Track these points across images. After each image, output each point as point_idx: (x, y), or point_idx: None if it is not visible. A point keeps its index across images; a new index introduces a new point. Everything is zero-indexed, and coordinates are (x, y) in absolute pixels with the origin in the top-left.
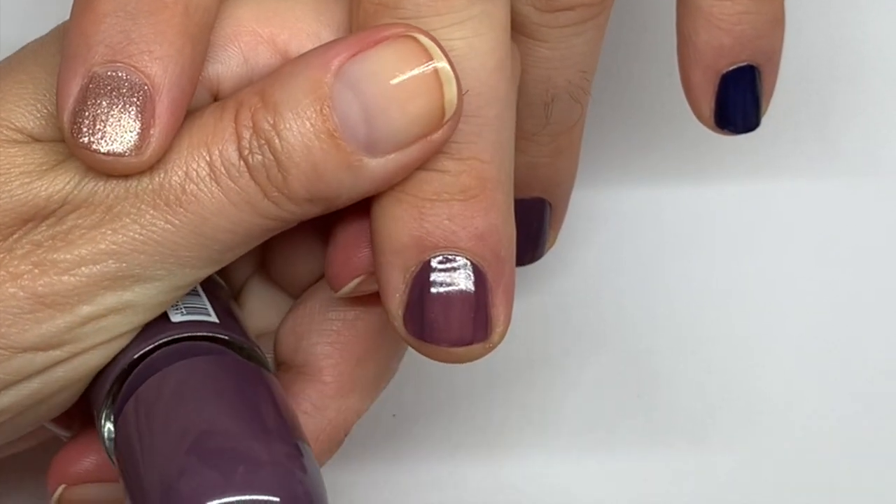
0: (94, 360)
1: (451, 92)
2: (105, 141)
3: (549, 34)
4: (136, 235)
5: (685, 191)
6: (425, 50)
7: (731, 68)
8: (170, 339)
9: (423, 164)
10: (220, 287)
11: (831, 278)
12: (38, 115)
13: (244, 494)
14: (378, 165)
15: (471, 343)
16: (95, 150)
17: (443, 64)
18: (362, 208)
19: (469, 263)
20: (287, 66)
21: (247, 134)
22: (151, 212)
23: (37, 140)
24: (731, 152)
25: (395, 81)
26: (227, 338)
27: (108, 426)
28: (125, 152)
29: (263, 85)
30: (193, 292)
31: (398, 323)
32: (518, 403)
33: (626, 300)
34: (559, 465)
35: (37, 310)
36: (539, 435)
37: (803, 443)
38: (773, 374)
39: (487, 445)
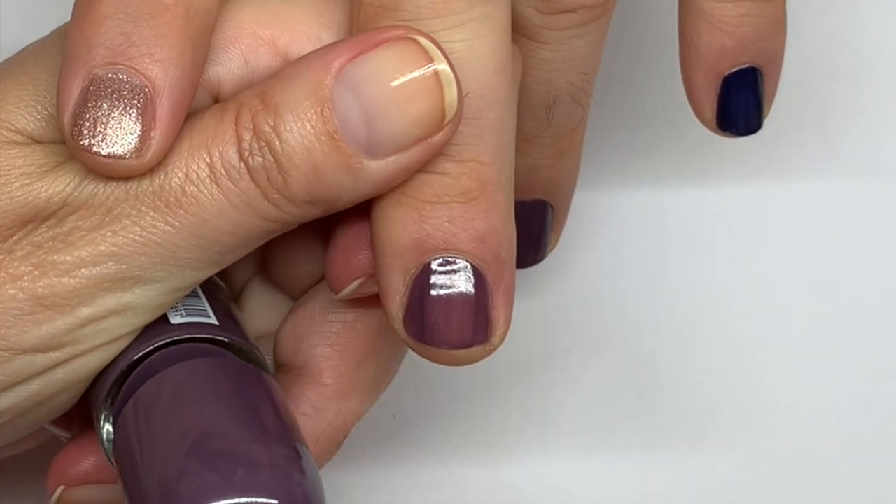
0: (94, 361)
1: (451, 94)
2: (106, 143)
3: (551, 36)
4: (137, 237)
5: (687, 193)
6: (425, 52)
7: (732, 70)
8: (169, 340)
9: (423, 167)
10: (220, 289)
11: (832, 279)
12: (39, 117)
13: (243, 496)
14: (378, 167)
15: (471, 345)
16: (96, 153)
17: (443, 66)
18: (362, 210)
19: (469, 266)
20: (287, 68)
21: (247, 136)
22: (151, 213)
23: (37, 142)
24: (733, 154)
25: (395, 83)
26: (226, 340)
27: (108, 427)
28: (126, 154)
29: (264, 87)
30: (193, 294)
31: (398, 325)
32: (518, 405)
33: (628, 302)
34: (559, 466)
35: (37, 311)
36: (539, 436)
37: (803, 443)
38: (773, 375)
39: (487, 446)
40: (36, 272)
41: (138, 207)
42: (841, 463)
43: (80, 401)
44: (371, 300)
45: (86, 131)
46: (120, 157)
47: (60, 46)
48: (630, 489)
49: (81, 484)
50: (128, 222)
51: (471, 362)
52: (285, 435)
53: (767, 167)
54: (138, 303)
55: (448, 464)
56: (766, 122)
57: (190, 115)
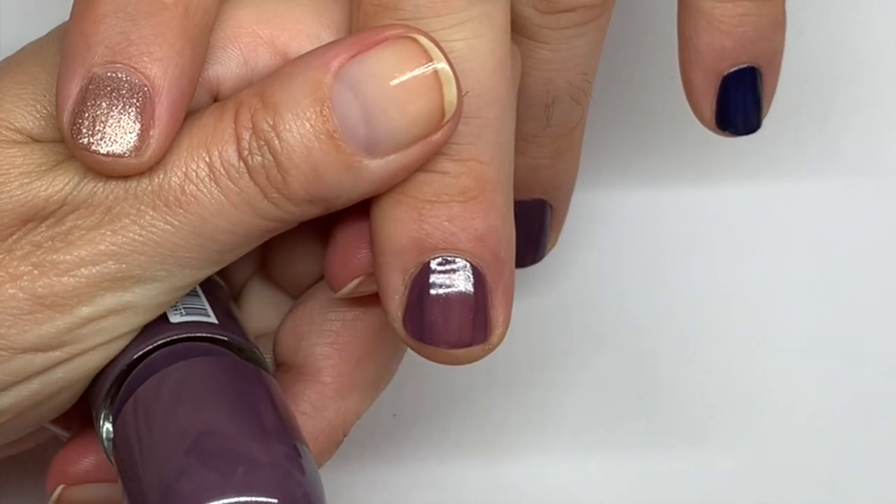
0: (94, 361)
1: (450, 93)
2: (105, 142)
3: (550, 36)
4: (136, 236)
5: (686, 192)
6: (425, 51)
7: (732, 70)
8: (169, 339)
9: (422, 166)
10: (219, 288)
11: (831, 278)
12: (38, 116)
13: (243, 495)
14: (378, 166)
15: (470, 345)
16: (95, 151)
17: (442, 65)
18: (362, 209)
19: (468, 265)
20: (287, 67)
21: (246, 135)
22: (151, 213)
23: (36, 141)
24: (732, 154)
25: (394, 82)
26: (226, 339)
27: (107, 426)
28: (125, 153)
29: (263, 86)
30: (193, 293)
31: (397, 324)
32: (518, 404)
33: (627, 301)
34: (559, 465)
35: (36, 311)
36: (539, 436)
37: (803, 443)
38: (773, 375)
39: (487, 446)
40: (35, 271)
41: (137, 206)
42: (841, 463)
43: (80, 400)
44: (371, 299)
45: (85, 130)
46: (119, 155)
47: (59, 45)
48: (630, 489)
49: (81, 483)
50: (127, 221)
51: (470, 361)
52: (285, 434)
53: (767, 167)
54: (138, 302)
55: (447, 463)
56: (766, 122)
57: (189, 114)
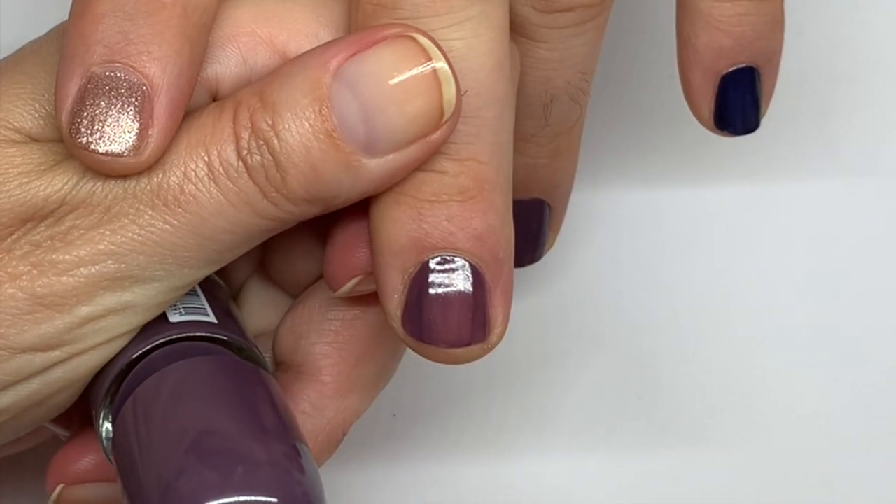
0: (93, 360)
1: (449, 92)
2: (103, 141)
3: (549, 35)
4: (135, 236)
5: (685, 192)
6: (424, 50)
7: (730, 70)
8: (168, 339)
9: (421, 165)
10: (219, 287)
11: (831, 279)
12: (37, 115)
13: (242, 495)
14: (377, 166)
15: (469, 344)
16: (94, 151)
17: (441, 64)
18: (361, 209)
19: (467, 264)
20: (285, 66)
21: (245, 134)
22: (150, 212)
23: (35, 140)
24: (731, 153)
25: (393, 81)
26: (225, 338)
27: (107, 426)
28: (123, 152)
29: (262, 85)
30: (192, 292)
31: (396, 324)
32: (517, 403)
33: (626, 301)
34: (558, 465)
35: (36, 310)
36: (538, 435)
37: (803, 443)
38: (773, 375)
39: (486, 445)
40: (35, 271)
41: (137, 206)
42: (841, 462)
43: (80, 399)
44: (370, 298)
45: (84, 129)
46: (118, 154)
47: (58, 45)
48: (629, 489)
49: (81, 482)
50: (126, 221)
51: (469, 361)
52: (284, 433)
53: (766, 166)
54: (137, 301)
55: (446, 462)
56: (765, 122)
57: (188, 113)
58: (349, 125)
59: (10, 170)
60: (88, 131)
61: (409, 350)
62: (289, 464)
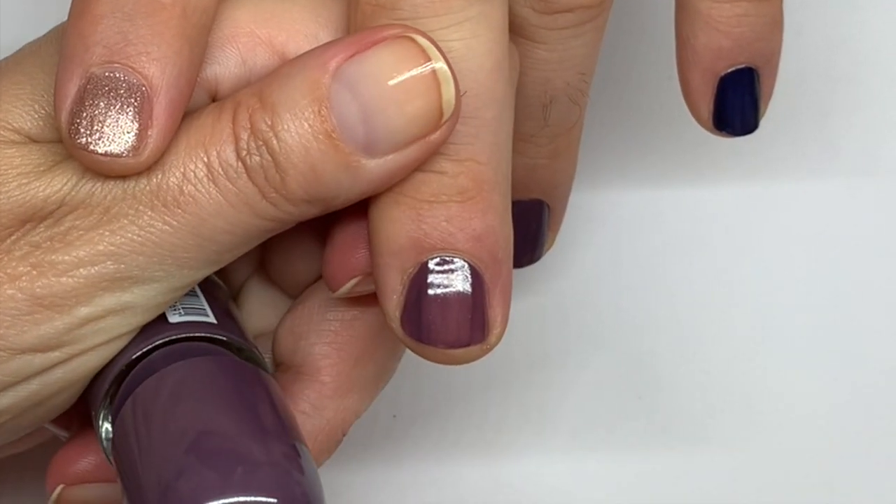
0: (93, 361)
1: (448, 92)
2: (102, 142)
3: (548, 36)
4: (134, 237)
5: (684, 192)
6: (423, 50)
7: (729, 70)
8: (167, 339)
9: (420, 166)
10: (218, 288)
11: (831, 279)
12: (36, 116)
13: (242, 495)
14: (376, 166)
15: (468, 345)
16: (93, 151)
17: (440, 64)
18: (360, 209)
19: (466, 265)
20: (285, 66)
21: (244, 135)
22: (149, 213)
23: (34, 141)
24: (731, 154)
25: (392, 82)
26: (224, 338)
27: (106, 426)
28: (122, 153)
29: (261, 86)
30: (192, 293)
31: (395, 324)
32: (516, 404)
33: (625, 302)
34: (558, 465)
35: (35, 311)
36: (537, 435)
37: (803, 443)
38: (773, 375)
39: (485, 445)
40: (34, 272)
41: (136, 207)
42: (841, 462)
43: (79, 400)
44: (369, 298)
45: (83, 130)
46: (117, 155)
47: (58, 45)
48: (629, 489)
49: (80, 483)
50: (125, 222)
51: (468, 361)
52: (284, 433)
53: (766, 167)
54: (137, 302)
55: (446, 463)
56: (765, 122)
57: (187, 114)
58: (348, 126)
59: (10, 171)
60: (88, 132)
61: (408, 351)
62: (288, 464)
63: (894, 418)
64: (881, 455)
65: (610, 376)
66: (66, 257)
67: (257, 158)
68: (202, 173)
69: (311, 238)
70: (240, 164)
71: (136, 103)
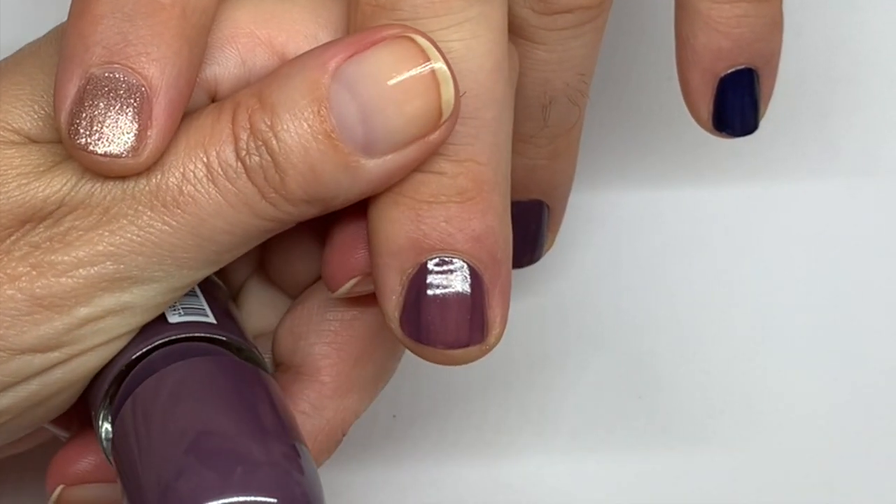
0: (93, 361)
1: (448, 92)
2: (102, 142)
3: (547, 37)
4: (134, 237)
5: (684, 193)
6: (422, 51)
7: (729, 71)
8: (167, 339)
9: (420, 166)
10: (218, 288)
11: (831, 279)
12: (36, 117)
13: (242, 495)
14: (375, 166)
15: (467, 345)
16: (92, 152)
17: (440, 64)
18: (359, 209)
19: (465, 265)
20: (284, 67)
21: (244, 135)
22: (149, 213)
23: (34, 141)
24: (731, 154)
25: (392, 82)
26: (224, 339)
27: (106, 427)
28: (122, 154)
29: (261, 86)
30: (191, 293)
31: (395, 325)
32: (516, 404)
33: (625, 302)
34: (558, 465)
35: (35, 311)
36: (537, 436)
37: (803, 443)
38: (773, 376)
39: (485, 446)
40: (34, 272)
41: (135, 207)
42: (841, 462)
43: (79, 400)
44: (369, 299)
45: (82, 130)
46: (116, 156)
47: (57, 46)
48: (629, 489)
49: (81, 483)
50: (125, 222)
51: (467, 362)
52: (284, 433)
53: (766, 167)
54: (136, 302)
55: (446, 463)
56: (765, 123)
57: (187, 114)
58: (348, 126)
59: (9, 171)
60: (87, 132)
61: (408, 351)
62: (288, 464)
63: (894, 418)
64: (881, 455)
65: (610, 376)
66: (66, 258)
67: (257, 159)
68: (201, 173)
69: (311, 238)
70: (239, 164)
71: (135, 104)
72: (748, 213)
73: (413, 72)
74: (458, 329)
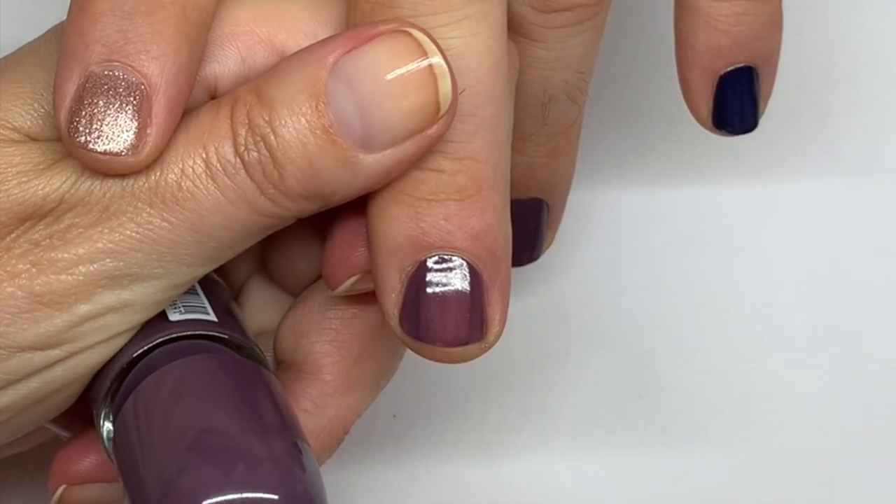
0: (93, 359)
1: (445, 86)
2: (102, 140)
3: (547, 35)
4: (133, 234)
5: (683, 191)
6: (419, 45)
7: (728, 69)
8: (168, 337)
9: (419, 164)
10: (219, 286)
11: (831, 279)
12: (36, 115)
13: (243, 492)
14: (374, 161)
15: (466, 343)
16: (92, 150)
17: (437, 59)
18: (359, 207)
19: (465, 263)
20: (282, 63)
21: (242, 131)
22: (148, 210)
23: (34, 139)
24: (731, 153)
25: (389, 77)
26: (226, 336)
27: (107, 425)
28: (122, 151)
29: (259, 82)
30: (192, 291)
31: (394, 323)
32: (516, 403)
33: (625, 301)
34: (557, 465)
35: (35, 309)
36: (537, 435)
37: (803, 443)
38: (773, 375)
39: (485, 446)
40: (34, 270)
41: (135, 204)
42: (841, 462)
43: (80, 400)
44: (369, 297)
45: (82, 128)
46: (116, 154)
47: (57, 44)
48: (629, 489)
49: (83, 483)
50: (124, 219)
51: (466, 360)
52: (285, 431)
53: (765, 166)
54: (136, 300)
55: (446, 463)
56: (765, 122)
57: (186, 112)
58: (346, 121)
59: (9, 169)
60: (87, 130)
61: (408, 351)
62: (290, 461)
63: (894, 418)
64: (881, 455)
65: (610, 376)
66: (66, 255)
67: (255, 154)
68: (200, 169)
69: (312, 236)
70: (238, 160)
71: (135, 102)
72: (748, 213)
73: (410, 66)
74: (458, 327)
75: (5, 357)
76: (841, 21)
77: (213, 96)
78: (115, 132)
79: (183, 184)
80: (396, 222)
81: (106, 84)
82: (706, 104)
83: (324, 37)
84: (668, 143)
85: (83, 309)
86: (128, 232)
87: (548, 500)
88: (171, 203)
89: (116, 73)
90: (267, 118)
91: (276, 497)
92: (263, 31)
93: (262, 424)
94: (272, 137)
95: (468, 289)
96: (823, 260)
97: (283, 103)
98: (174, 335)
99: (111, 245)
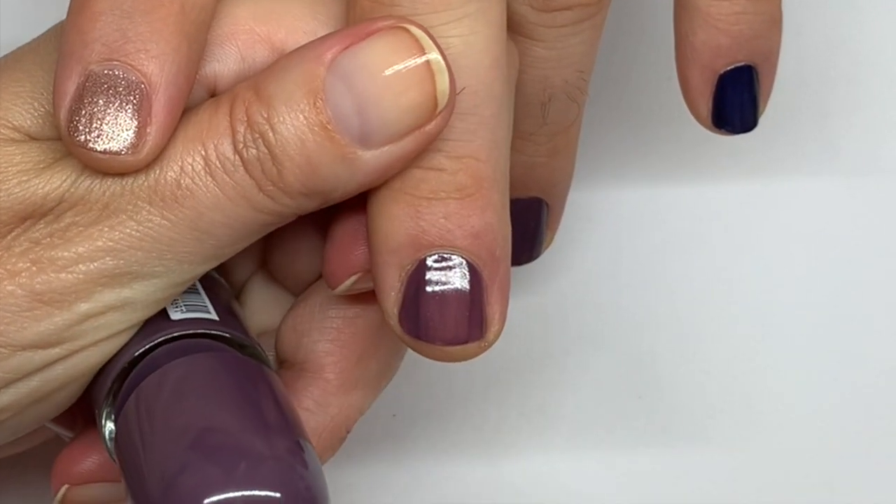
0: (94, 357)
1: (443, 83)
2: (102, 139)
3: (546, 34)
4: (133, 232)
5: (683, 191)
6: (416, 41)
7: (728, 68)
8: (170, 336)
9: (419, 163)
10: (220, 285)
11: (831, 278)
12: (35, 114)
13: (246, 490)
14: (372, 158)
15: (466, 342)
16: (92, 149)
17: (434, 55)
18: (359, 206)
19: (464, 262)
20: (281, 60)
21: (241, 128)
22: (148, 208)
23: (34, 138)
24: (731, 153)
25: (387, 73)
26: (227, 335)
27: (109, 425)
28: (122, 151)
29: (257, 79)
30: (193, 290)
31: (394, 321)
32: (517, 403)
33: (625, 300)
34: (558, 464)
35: (35, 307)
36: (538, 435)
37: (803, 443)
38: (773, 375)
39: (486, 445)
40: (34, 268)
41: (134, 202)
42: (841, 462)
43: (82, 399)
44: (370, 296)
45: (82, 127)
46: (116, 153)
47: (57, 43)
48: (629, 488)
49: (85, 482)
50: (124, 217)
51: (466, 358)
52: (287, 429)
53: (765, 166)
54: (137, 298)
55: (446, 463)
56: (765, 121)
57: (185, 110)
58: (344, 117)
59: (10, 168)
60: (87, 129)
61: (409, 351)
62: (292, 459)
63: (894, 418)
64: (881, 455)
65: (610, 376)
66: (66, 253)
67: (254, 151)
68: (199, 167)
69: (313, 236)
70: (237, 157)
71: (134, 101)
72: (748, 212)
73: (408, 62)
74: (457, 326)
75: (6, 356)
76: (841, 21)
77: (213, 95)
78: (114, 131)
79: (182, 181)
80: (396, 221)
81: (106, 83)
82: (706, 103)
83: (323, 34)
84: (668, 142)
85: (83, 307)
86: (128, 230)
87: (548, 500)
88: (171, 201)
89: (116, 72)
90: (265, 115)
91: (278, 495)
92: (263, 30)
93: (264, 423)
94: (271, 134)
95: (468, 287)
96: (823, 259)
97: (281, 100)
98: (176, 334)
99: (111, 243)
